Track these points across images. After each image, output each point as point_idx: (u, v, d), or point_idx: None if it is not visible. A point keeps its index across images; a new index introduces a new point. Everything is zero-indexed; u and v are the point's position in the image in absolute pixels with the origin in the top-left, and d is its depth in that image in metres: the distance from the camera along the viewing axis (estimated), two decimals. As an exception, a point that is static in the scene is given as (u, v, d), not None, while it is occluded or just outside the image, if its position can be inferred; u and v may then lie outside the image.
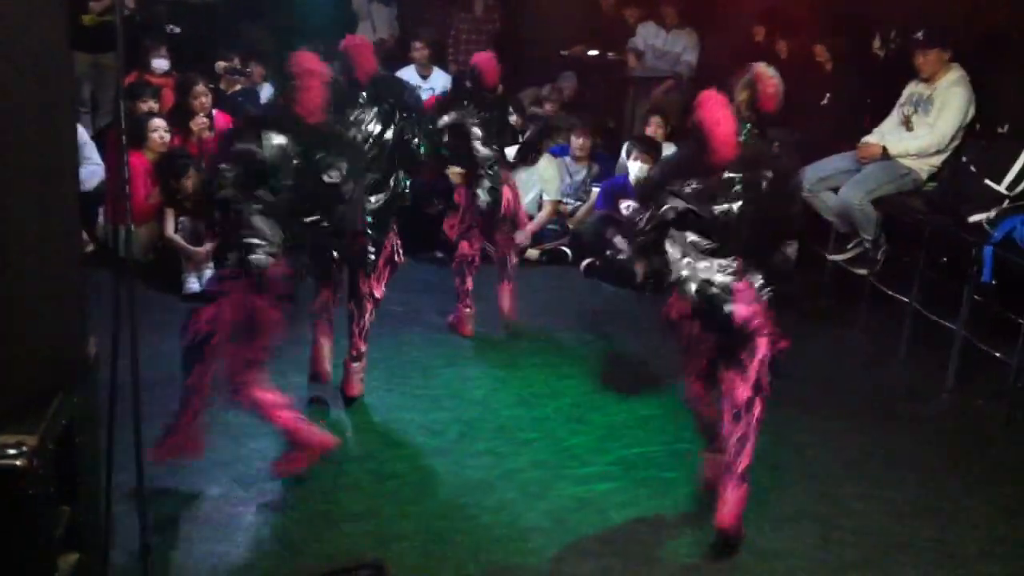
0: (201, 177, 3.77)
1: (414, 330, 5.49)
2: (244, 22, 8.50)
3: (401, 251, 4.68)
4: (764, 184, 3.63)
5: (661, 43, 8.50)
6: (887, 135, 5.86)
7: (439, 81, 7.93)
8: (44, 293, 2.24)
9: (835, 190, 5.93)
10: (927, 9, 6.17)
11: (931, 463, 4.44)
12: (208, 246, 5.71)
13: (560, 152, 7.40)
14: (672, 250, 3.63)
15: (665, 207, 3.61)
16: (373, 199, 4.42)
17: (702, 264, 3.60)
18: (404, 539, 3.60)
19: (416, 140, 4.56)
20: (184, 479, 3.82)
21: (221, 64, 7.56)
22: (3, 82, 2.09)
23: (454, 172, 5.44)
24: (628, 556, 3.61)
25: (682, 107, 8.08)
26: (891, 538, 3.83)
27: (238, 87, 7.55)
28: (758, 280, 3.62)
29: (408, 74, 7.94)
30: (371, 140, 4.42)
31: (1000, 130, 5.69)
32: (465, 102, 5.34)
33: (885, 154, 5.78)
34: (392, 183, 4.51)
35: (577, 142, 7.33)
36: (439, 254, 6.37)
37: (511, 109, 6.87)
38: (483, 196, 5.29)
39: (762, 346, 3.57)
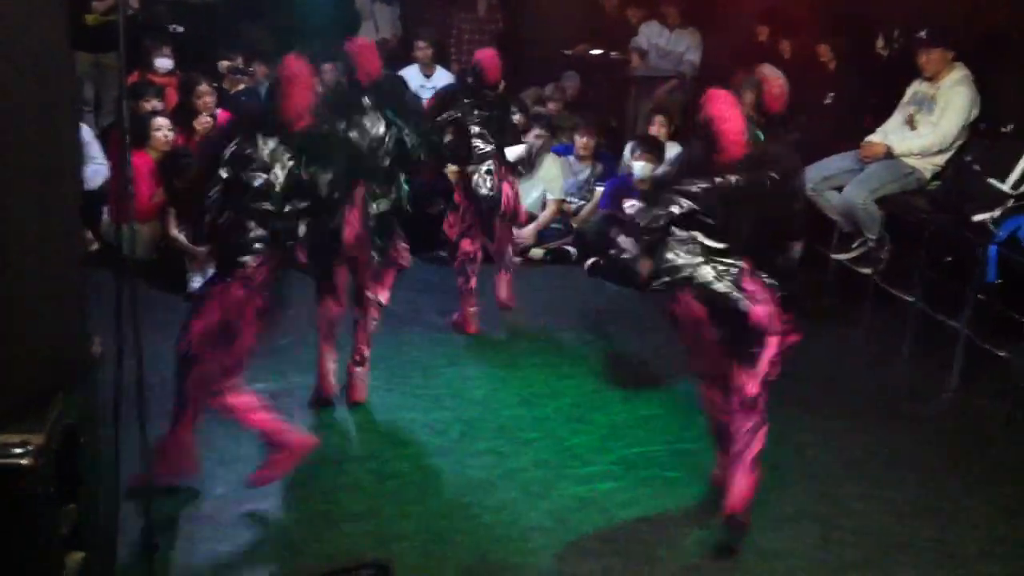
0: (195, 175, 3.76)
1: (415, 330, 5.49)
2: (246, 22, 8.50)
3: (407, 255, 4.68)
4: (768, 184, 3.64)
5: (664, 42, 8.50)
6: (891, 134, 5.86)
7: (442, 81, 7.92)
8: (44, 293, 2.25)
9: (839, 189, 5.92)
10: (928, 9, 6.16)
11: (932, 463, 4.43)
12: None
13: (564, 151, 7.40)
14: (678, 249, 3.63)
15: (672, 206, 3.61)
16: (376, 204, 4.41)
17: (708, 264, 3.60)
18: (405, 539, 3.60)
19: (413, 142, 4.55)
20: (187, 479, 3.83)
21: (224, 63, 7.57)
22: (3, 82, 2.10)
23: (453, 171, 5.45)
24: (630, 555, 3.61)
25: (685, 106, 8.10)
26: (891, 538, 3.82)
27: (241, 86, 7.55)
28: (767, 279, 3.62)
29: (411, 74, 7.95)
30: (373, 144, 4.42)
31: (1004, 129, 5.68)
32: (465, 99, 5.34)
33: (889, 153, 5.77)
34: (395, 188, 4.51)
35: (581, 141, 7.32)
36: (442, 253, 6.37)
37: (514, 108, 6.90)
38: (484, 187, 5.28)
39: (772, 344, 3.59)
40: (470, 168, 5.35)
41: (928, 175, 5.75)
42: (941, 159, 5.72)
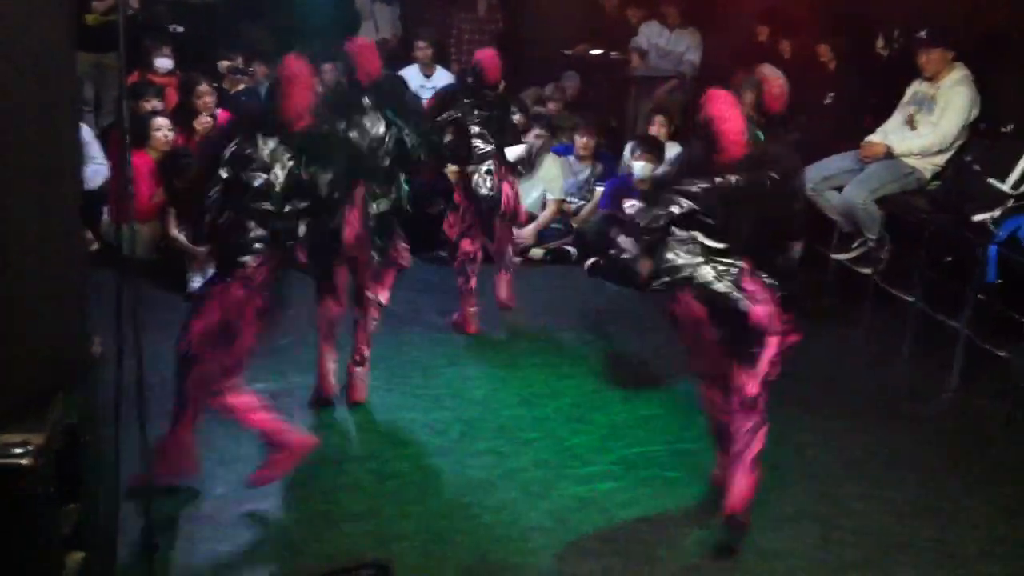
0: (195, 175, 3.75)
1: (415, 329, 5.49)
2: (246, 22, 8.50)
3: (407, 255, 4.68)
4: (768, 184, 3.64)
5: (664, 42, 8.50)
6: (891, 134, 5.86)
7: (442, 81, 7.92)
8: (44, 293, 2.25)
9: (839, 189, 5.92)
10: (927, 9, 6.16)
11: (932, 463, 4.43)
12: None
13: (564, 151, 7.40)
14: (678, 249, 3.63)
15: (672, 206, 3.61)
16: (376, 204, 4.42)
17: (708, 265, 3.60)
18: (405, 539, 3.60)
19: (413, 142, 4.55)
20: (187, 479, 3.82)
21: (224, 63, 7.57)
22: (3, 82, 2.09)
23: (453, 171, 5.45)
24: (630, 555, 3.61)
25: (685, 106, 8.10)
26: (891, 538, 3.82)
27: (241, 86, 7.55)
28: (767, 279, 3.63)
29: (411, 74, 7.95)
30: (373, 144, 4.42)
31: (1004, 129, 5.68)
32: (465, 99, 5.34)
33: (889, 153, 5.77)
34: (395, 188, 4.52)
35: (580, 141, 7.32)
36: (442, 253, 6.38)
37: (514, 108, 6.89)
38: (483, 187, 5.29)
39: (772, 344, 3.60)
40: (470, 168, 5.35)
41: (928, 175, 5.75)
42: (941, 159, 5.72)
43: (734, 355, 3.65)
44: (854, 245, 6.01)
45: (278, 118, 3.75)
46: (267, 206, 3.65)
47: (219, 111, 6.60)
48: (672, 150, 7.25)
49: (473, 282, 5.48)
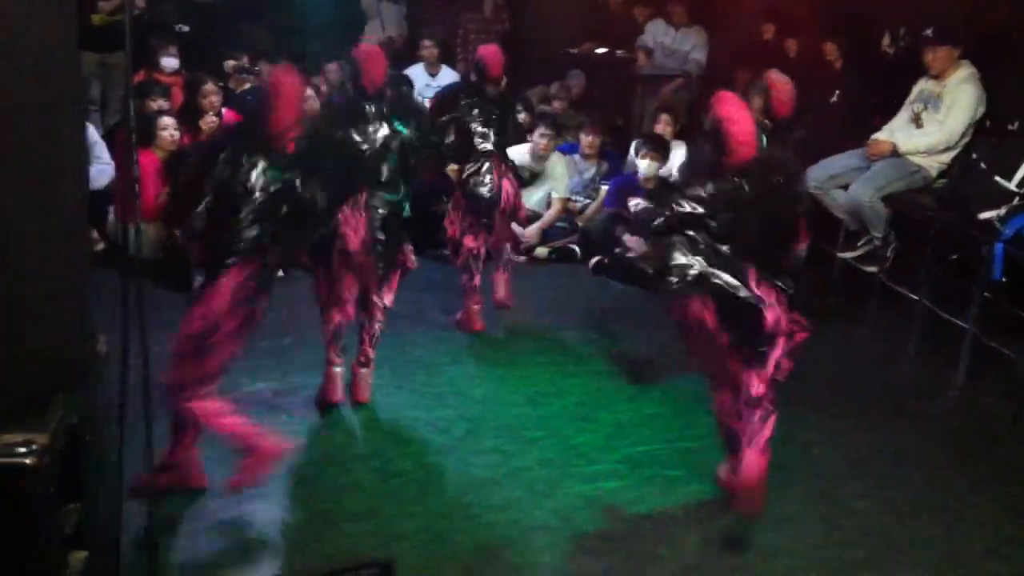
0: (183, 183, 3.72)
1: (419, 328, 5.49)
2: (252, 21, 8.51)
3: (413, 257, 4.69)
4: (774, 187, 3.66)
5: (670, 41, 8.49)
6: (897, 132, 5.84)
7: (447, 80, 7.92)
8: (44, 293, 2.25)
9: (845, 187, 5.91)
10: (929, 9, 6.14)
11: (937, 461, 4.42)
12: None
13: (569, 150, 7.39)
14: (686, 249, 3.65)
15: (679, 208, 3.63)
16: (380, 209, 4.42)
17: (715, 267, 3.63)
18: (407, 538, 3.60)
19: (416, 145, 4.56)
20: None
21: (230, 63, 7.58)
22: (3, 82, 2.10)
23: (453, 170, 5.45)
24: (634, 554, 3.61)
25: (691, 105, 8.10)
26: (895, 537, 3.81)
27: (247, 85, 7.56)
28: (773, 282, 3.65)
29: (416, 73, 7.95)
30: (377, 150, 4.42)
31: (1010, 127, 5.67)
32: (467, 98, 5.34)
33: (895, 151, 5.76)
34: (398, 192, 4.52)
35: (586, 140, 7.32)
36: (445, 252, 6.37)
37: (519, 107, 6.89)
38: (483, 187, 5.29)
39: (780, 345, 3.63)
40: (470, 167, 5.34)
41: (934, 173, 5.74)
42: (947, 157, 5.70)
43: (743, 356, 3.67)
44: (860, 243, 5.99)
45: (266, 130, 3.73)
46: (255, 216, 3.63)
47: (225, 110, 6.61)
48: (677, 149, 7.25)
49: (477, 279, 5.48)
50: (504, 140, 5.44)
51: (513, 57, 8.49)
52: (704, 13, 8.49)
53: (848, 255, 6.09)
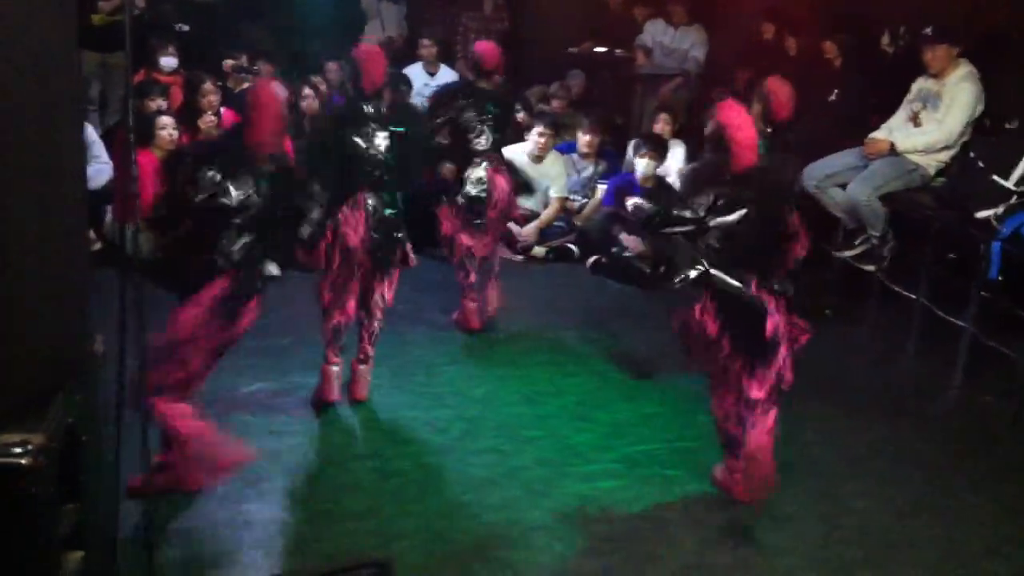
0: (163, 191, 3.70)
1: (418, 328, 5.50)
2: (251, 21, 8.51)
3: (411, 255, 4.69)
4: (773, 192, 3.76)
5: (669, 40, 8.49)
6: (895, 131, 5.84)
7: (446, 79, 7.92)
8: (44, 293, 2.25)
9: (843, 186, 5.91)
10: (929, 8, 6.14)
11: (937, 461, 4.42)
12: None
13: (567, 149, 7.39)
14: (691, 251, 3.72)
15: (686, 212, 3.70)
16: (378, 209, 4.43)
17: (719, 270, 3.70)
18: (406, 537, 3.60)
19: (414, 145, 4.58)
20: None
21: (229, 62, 7.58)
22: (3, 82, 2.10)
23: (448, 169, 5.44)
24: (632, 554, 3.61)
25: (690, 104, 8.10)
26: (895, 536, 3.81)
27: (246, 85, 7.56)
28: (774, 287, 3.69)
29: (415, 72, 7.95)
30: (375, 150, 4.44)
31: (1008, 126, 5.67)
32: (464, 97, 5.35)
33: (893, 150, 5.76)
34: (398, 191, 4.54)
35: (584, 139, 7.32)
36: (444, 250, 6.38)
37: (518, 106, 6.89)
38: (472, 190, 5.29)
39: (782, 351, 3.69)
40: (467, 166, 5.35)
41: (932, 172, 5.73)
42: (945, 156, 5.70)
43: (744, 362, 3.70)
44: (858, 242, 5.99)
45: (246, 143, 3.73)
46: (233, 225, 3.63)
47: (224, 110, 6.61)
48: (676, 148, 7.26)
49: (473, 277, 5.48)
50: (501, 139, 5.43)
51: (513, 57, 8.52)
52: (703, 12, 8.48)
53: (846, 254, 6.08)
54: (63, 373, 2.33)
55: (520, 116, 7.27)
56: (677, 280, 3.76)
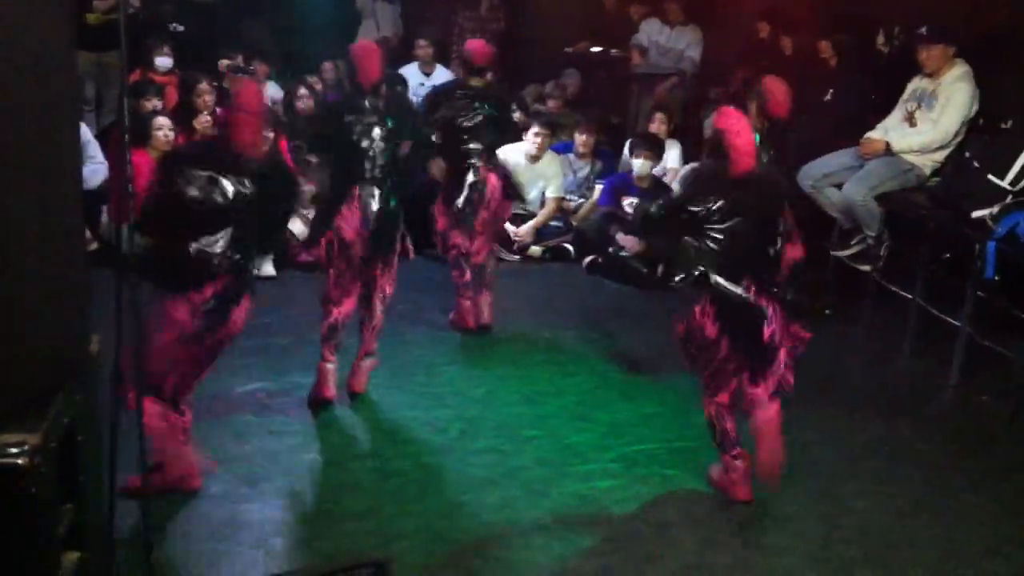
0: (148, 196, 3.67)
1: (417, 328, 5.49)
2: (247, 20, 8.50)
3: (411, 246, 4.70)
4: (769, 197, 3.80)
5: (665, 40, 8.50)
6: (890, 131, 5.85)
7: (441, 79, 7.92)
8: (44, 293, 2.24)
9: (838, 186, 5.91)
10: (928, 8, 6.16)
11: (936, 460, 4.43)
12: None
13: (563, 149, 7.40)
14: (688, 250, 3.75)
15: (682, 214, 3.75)
16: (375, 203, 4.44)
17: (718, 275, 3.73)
18: (406, 537, 3.60)
19: (411, 141, 4.59)
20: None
21: (224, 62, 7.56)
22: (3, 82, 2.09)
23: (439, 167, 5.43)
24: (630, 553, 3.61)
25: (685, 104, 8.11)
26: (894, 536, 3.82)
27: (240, 85, 7.55)
28: (772, 291, 3.71)
29: (411, 72, 7.95)
30: (373, 145, 4.45)
31: (1003, 125, 5.67)
32: (456, 96, 5.34)
33: (888, 150, 5.77)
34: (394, 184, 4.53)
35: (580, 139, 7.33)
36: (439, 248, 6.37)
37: (514, 106, 6.88)
38: (469, 188, 5.28)
39: (782, 356, 3.73)
40: (460, 165, 5.34)
41: (928, 171, 5.75)
42: (941, 155, 5.71)
43: (745, 368, 3.73)
44: (853, 242, 6.00)
45: (229, 145, 3.71)
46: (216, 226, 3.61)
47: (219, 110, 6.59)
48: (672, 148, 7.27)
49: (467, 276, 5.47)
50: (495, 138, 5.42)
51: (510, 56, 8.52)
52: (699, 12, 8.49)
53: (842, 254, 6.10)
54: (63, 373, 2.32)
55: (516, 116, 7.26)
56: (677, 280, 3.78)
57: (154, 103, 6.39)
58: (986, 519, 3.96)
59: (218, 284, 3.61)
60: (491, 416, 4.58)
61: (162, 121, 6.08)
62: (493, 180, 5.39)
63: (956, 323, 5.18)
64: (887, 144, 5.76)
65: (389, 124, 4.51)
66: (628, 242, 6.58)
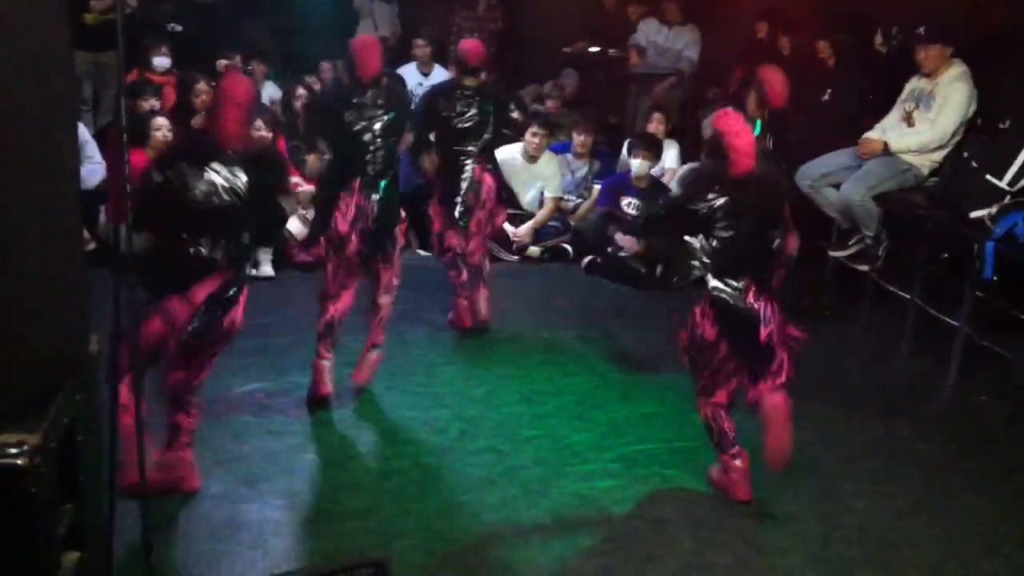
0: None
1: (416, 328, 5.49)
2: (245, 20, 8.50)
3: (410, 237, 4.71)
4: (766, 199, 3.80)
5: (663, 40, 8.49)
6: (888, 131, 5.85)
7: (440, 79, 7.92)
8: (44, 293, 2.24)
9: (837, 186, 5.92)
10: (927, 8, 6.16)
11: (934, 460, 4.43)
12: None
13: (561, 149, 7.39)
14: (689, 251, 3.77)
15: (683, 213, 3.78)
16: (375, 195, 4.45)
17: (717, 278, 3.76)
18: (405, 537, 3.60)
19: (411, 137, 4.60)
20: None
21: (222, 62, 7.56)
22: (3, 82, 2.09)
23: (432, 160, 5.42)
24: (630, 553, 3.61)
25: (683, 104, 8.11)
26: (894, 536, 3.82)
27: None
28: (770, 292, 3.72)
29: (409, 72, 7.94)
30: (372, 138, 4.46)
31: (1001, 125, 5.68)
32: (451, 96, 5.34)
33: (886, 150, 5.77)
34: (392, 178, 4.54)
35: (578, 139, 7.32)
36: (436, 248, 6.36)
37: (512, 106, 6.88)
38: (463, 188, 5.27)
39: (783, 358, 3.75)
40: (454, 165, 5.34)
41: (926, 171, 5.75)
42: (939, 155, 5.71)
43: (745, 370, 3.73)
44: (851, 242, 6.01)
45: (214, 137, 3.71)
46: (211, 229, 3.61)
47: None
48: (670, 148, 7.27)
49: (464, 276, 5.47)
50: (490, 138, 5.41)
51: (508, 56, 8.51)
52: (697, 11, 8.50)
53: (840, 254, 6.10)
54: (63, 373, 2.32)
55: (514, 116, 7.26)
56: (676, 280, 3.82)
57: (152, 103, 6.38)
58: (986, 519, 3.96)
59: (215, 281, 3.60)
60: (490, 416, 4.58)
61: (160, 121, 6.08)
62: (488, 180, 5.39)
63: (954, 323, 5.18)
64: (885, 144, 5.77)
65: (388, 118, 4.51)
66: (627, 242, 6.58)
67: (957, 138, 5.65)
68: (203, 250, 3.58)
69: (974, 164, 5.33)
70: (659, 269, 6.31)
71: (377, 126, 4.47)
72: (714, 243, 3.72)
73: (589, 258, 6.75)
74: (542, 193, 7.09)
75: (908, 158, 5.74)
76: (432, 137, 5.40)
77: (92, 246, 5.85)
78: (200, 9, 8.32)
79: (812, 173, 5.94)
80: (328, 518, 3.70)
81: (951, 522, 3.93)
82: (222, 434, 4.15)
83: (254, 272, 5.77)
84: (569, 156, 7.35)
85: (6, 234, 2.13)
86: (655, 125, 7.25)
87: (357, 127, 4.44)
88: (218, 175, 3.60)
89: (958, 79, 5.61)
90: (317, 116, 5.53)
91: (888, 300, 5.78)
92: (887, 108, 5.99)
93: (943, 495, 4.13)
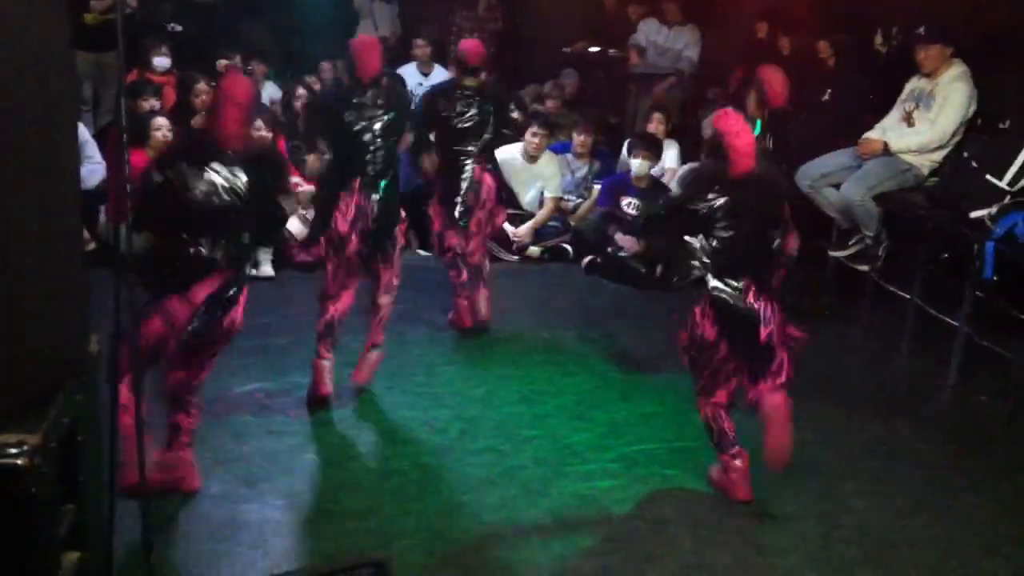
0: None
1: (416, 328, 5.49)
2: (245, 20, 8.50)
3: (410, 237, 4.71)
4: (766, 199, 3.81)
5: (663, 39, 8.50)
6: (888, 131, 5.85)
7: (439, 79, 7.92)
8: (44, 293, 2.24)
9: (837, 186, 5.92)
10: (927, 8, 6.16)
11: (934, 460, 4.43)
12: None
13: (561, 149, 7.40)
14: (693, 251, 3.78)
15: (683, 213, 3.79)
16: (375, 195, 4.45)
17: (717, 279, 3.77)
18: (405, 537, 3.60)
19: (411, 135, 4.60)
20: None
21: (223, 62, 7.56)
22: (3, 82, 2.09)
23: (431, 160, 5.42)
24: (630, 553, 3.61)
25: (683, 104, 8.11)
26: (894, 536, 3.82)
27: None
28: (770, 292, 3.73)
29: (409, 72, 7.94)
30: (372, 138, 4.46)
31: (1002, 125, 5.68)
32: (451, 97, 5.34)
33: (886, 150, 5.77)
34: (392, 178, 4.55)
35: (578, 139, 7.32)
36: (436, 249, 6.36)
37: (512, 106, 6.88)
38: (463, 187, 5.27)
39: (783, 358, 3.75)
40: (454, 165, 5.34)
41: (926, 171, 5.75)
42: (939, 155, 5.71)
43: (745, 370, 3.74)
44: (851, 242, 6.01)
45: (214, 136, 3.71)
46: (210, 228, 3.60)
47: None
48: (670, 148, 7.27)
49: (464, 276, 5.47)
50: (490, 138, 5.41)
51: (508, 56, 8.51)
52: (697, 12, 8.50)
53: (840, 254, 6.10)
54: (63, 373, 2.32)
55: (514, 116, 7.26)
56: (676, 280, 3.82)
57: (152, 103, 6.38)
58: (985, 519, 3.96)
59: (215, 281, 3.60)
60: (490, 416, 4.58)
61: (160, 121, 6.08)
62: (488, 180, 5.39)
63: (954, 323, 5.18)
64: (885, 144, 5.77)
65: (388, 118, 4.51)
66: (626, 242, 6.58)
67: (957, 138, 5.65)
68: (203, 250, 3.58)
69: (974, 164, 5.33)
70: (659, 269, 6.31)
71: (377, 126, 4.48)
72: (714, 243, 3.73)
73: (589, 258, 6.75)
74: (542, 193, 7.09)
75: (908, 158, 5.74)
76: (432, 137, 5.40)
77: (92, 246, 5.85)
78: (200, 9, 8.32)
79: (812, 173, 5.94)
80: (328, 518, 3.70)
81: (951, 522, 3.92)
82: (222, 434, 4.15)
83: (254, 272, 5.78)
84: (569, 156, 7.35)
85: (6, 234, 2.13)
86: (655, 125, 7.25)
87: (357, 127, 4.45)
88: (218, 175, 3.60)
89: (958, 79, 5.61)
90: (317, 116, 5.55)
91: (888, 300, 5.78)
92: (887, 108, 5.99)
93: (943, 495, 4.13)
